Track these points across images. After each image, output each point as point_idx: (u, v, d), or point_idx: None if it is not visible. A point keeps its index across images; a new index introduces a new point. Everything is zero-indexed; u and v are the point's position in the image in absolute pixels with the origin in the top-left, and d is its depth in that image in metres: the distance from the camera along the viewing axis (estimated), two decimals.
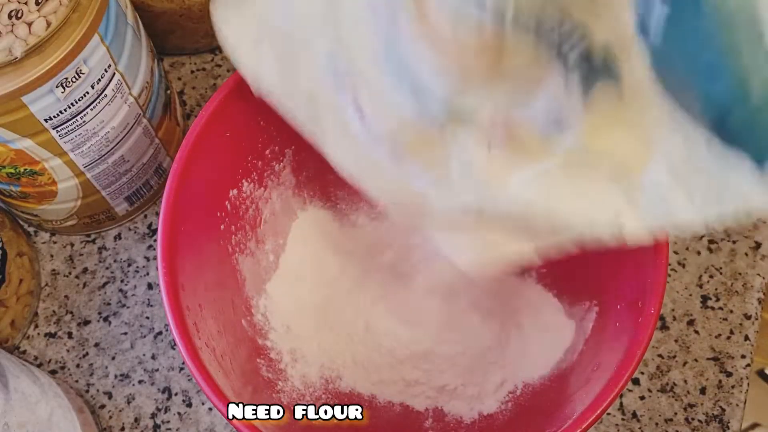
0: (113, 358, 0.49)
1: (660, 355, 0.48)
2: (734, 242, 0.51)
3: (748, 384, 0.47)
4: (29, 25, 0.37)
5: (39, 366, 0.48)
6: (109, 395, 0.48)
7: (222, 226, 0.45)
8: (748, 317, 0.49)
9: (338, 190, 0.51)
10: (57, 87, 0.39)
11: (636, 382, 0.48)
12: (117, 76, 0.42)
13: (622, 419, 0.47)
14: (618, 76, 0.29)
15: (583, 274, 0.46)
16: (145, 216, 0.53)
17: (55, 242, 0.52)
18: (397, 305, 0.48)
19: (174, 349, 0.49)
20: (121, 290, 0.51)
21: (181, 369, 0.48)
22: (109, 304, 0.50)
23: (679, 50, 0.27)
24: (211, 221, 0.44)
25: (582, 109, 0.30)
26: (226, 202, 0.45)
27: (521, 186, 0.31)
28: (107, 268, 0.51)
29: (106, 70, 0.41)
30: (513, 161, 0.31)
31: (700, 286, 0.50)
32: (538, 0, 0.28)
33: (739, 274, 0.50)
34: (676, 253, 0.51)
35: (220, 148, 0.43)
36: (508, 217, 0.32)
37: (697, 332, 0.49)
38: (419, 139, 0.33)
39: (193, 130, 0.41)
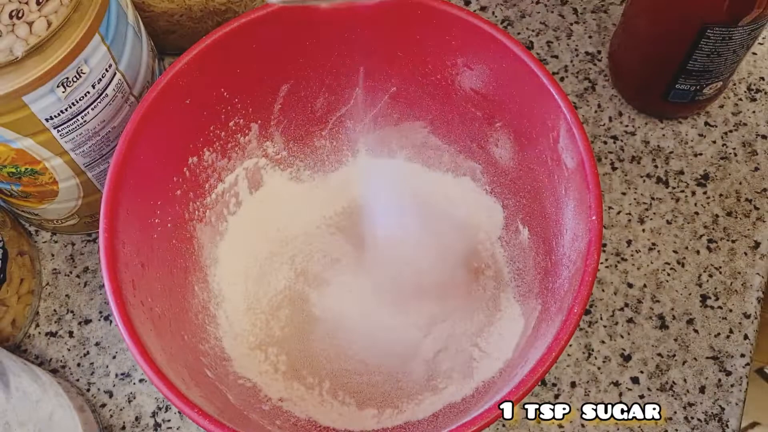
0: (114, 357, 0.49)
1: (659, 354, 0.48)
2: (733, 241, 0.51)
3: (748, 383, 0.47)
4: (30, 24, 0.37)
5: (40, 365, 0.48)
6: (110, 394, 0.48)
7: (179, 192, 0.45)
8: (747, 316, 0.49)
9: (307, 169, 0.51)
10: (58, 87, 0.39)
11: (635, 380, 0.48)
12: (118, 76, 0.42)
13: None
14: None
15: (533, 274, 0.46)
16: None
17: (56, 241, 0.52)
18: (344, 288, 0.48)
19: None
20: None
21: None
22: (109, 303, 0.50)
23: None
24: (165, 185, 0.44)
25: None
26: (185, 169, 0.45)
27: None
28: None
29: (106, 70, 0.41)
30: None
31: (700, 285, 0.50)
32: None
33: (739, 273, 0.50)
34: (675, 252, 0.51)
35: (178, 114, 0.43)
36: None
37: (696, 331, 0.49)
38: None
39: (150, 93, 0.41)
